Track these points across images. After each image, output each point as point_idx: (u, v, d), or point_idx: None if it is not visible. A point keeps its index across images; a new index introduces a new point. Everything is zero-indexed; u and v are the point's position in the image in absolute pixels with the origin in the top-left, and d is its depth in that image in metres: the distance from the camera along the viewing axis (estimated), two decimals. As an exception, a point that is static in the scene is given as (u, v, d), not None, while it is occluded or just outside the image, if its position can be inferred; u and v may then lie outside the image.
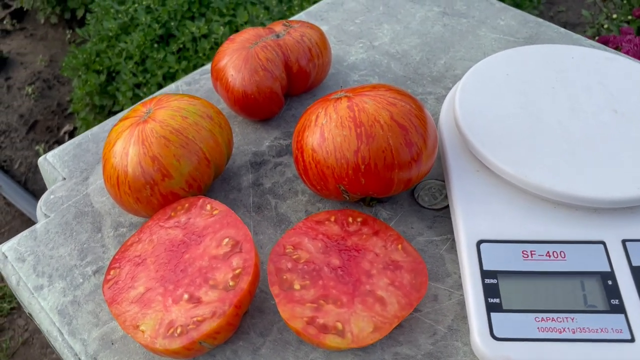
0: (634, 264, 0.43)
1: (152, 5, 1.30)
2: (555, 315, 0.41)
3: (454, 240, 0.49)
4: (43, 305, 0.47)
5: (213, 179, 0.50)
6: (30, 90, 1.76)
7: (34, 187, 1.54)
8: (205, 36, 1.28)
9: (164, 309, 0.40)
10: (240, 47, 0.57)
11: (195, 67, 1.28)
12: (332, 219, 0.47)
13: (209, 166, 0.48)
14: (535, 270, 0.43)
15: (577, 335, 0.40)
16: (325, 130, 0.46)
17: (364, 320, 0.40)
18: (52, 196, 0.55)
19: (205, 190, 0.50)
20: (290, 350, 0.43)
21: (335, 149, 0.46)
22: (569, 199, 0.45)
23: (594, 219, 0.45)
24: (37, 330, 1.33)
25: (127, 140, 0.47)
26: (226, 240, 0.43)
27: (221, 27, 1.25)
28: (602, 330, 0.40)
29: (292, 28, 0.59)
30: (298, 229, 0.46)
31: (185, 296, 0.40)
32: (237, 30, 1.29)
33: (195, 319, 0.39)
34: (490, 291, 0.42)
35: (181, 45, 1.28)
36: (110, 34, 1.30)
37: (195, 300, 0.40)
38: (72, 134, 1.62)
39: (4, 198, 1.52)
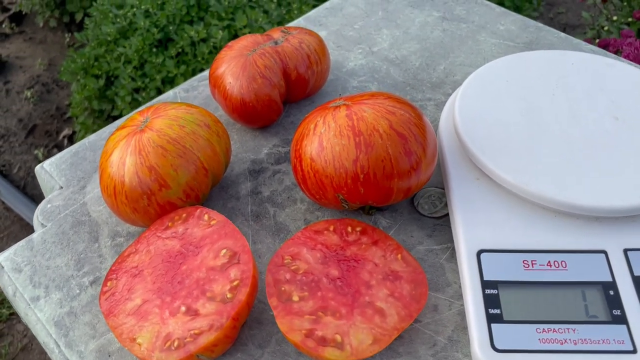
0: (636, 273, 0.43)
1: (150, 10, 1.30)
2: (556, 326, 0.40)
3: (454, 249, 0.48)
4: (40, 317, 0.46)
5: (211, 187, 0.50)
6: (29, 94, 1.76)
7: (33, 191, 1.54)
8: (204, 40, 1.28)
9: (161, 321, 0.40)
10: (238, 54, 0.56)
11: (194, 72, 1.27)
12: (331, 228, 0.47)
13: (206, 175, 0.48)
14: (536, 280, 0.43)
15: (579, 347, 0.40)
16: (323, 139, 0.46)
17: (363, 332, 0.40)
18: (49, 205, 0.54)
19: (203, 199, 0.49)
20: (289, 362, 0.42)
21: (334, 158, 0.45)
22: (570, 208, 0.45)
23: (596, 228, 0.45)
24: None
25: (124, 149, 0.46)
26: (224, 251, 0.42)
27: (220, 31, 1.25)
28: (603, 341, 0.40)
29: (291, 35, 0.59)
30: (297, 239, 0.46)
31: (183, 308, 0.40)
32: (236, 34, 1.29)
33: (192, 332, 0.39)
34: (490, 302, 0.42)
35: (180, 50, 1.28)
36: (109, 38, 1.30)
37: (193, 313, 0.40)
38: (71, 138, 1.62)
39: (3, 203, 1.52)
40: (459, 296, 0.45)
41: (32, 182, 1.55)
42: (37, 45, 1.97)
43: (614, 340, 0.40)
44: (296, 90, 0.59)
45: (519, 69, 0.55)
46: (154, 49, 1.27)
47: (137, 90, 1.30)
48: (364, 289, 0.42)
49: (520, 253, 0.44)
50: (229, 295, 0.40)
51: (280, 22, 1.30)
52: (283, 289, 0.42)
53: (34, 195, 1.53)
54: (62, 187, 0.56)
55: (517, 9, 1.71)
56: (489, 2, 0.75)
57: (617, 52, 1.05)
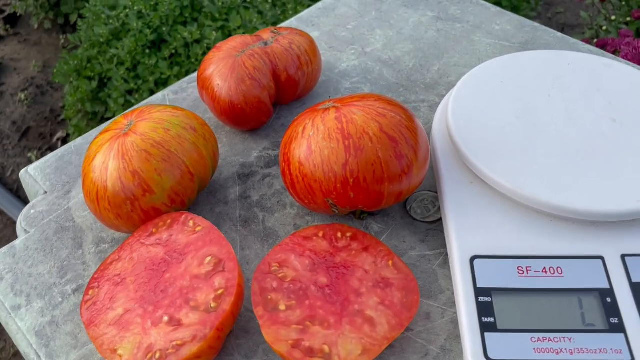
0: (634, 280, 0.41)
1: (143, 11, 1.29)
2: (552, 335, 0.39)
3: (447, 254, 0.47)
4: (20, 326, 0.45)
5: (197, 192, 0.49)
6: (23, 96, 1.74)
7: (27, 195, 1.52)
8: (197, 41, 1.27)
9: (143, 331, 0.38)
10: (226, 55, 0.55)
11: (187, 73, 1.26)
12: (321, 234, 0.45)
13: (192, 180, 0.47)
14: (531, 288, 0.41)
15: (575, 357, 0.38)
16: (312, 142, 0.45)
17: (352, 342, 0.38)
18: (32, 211, 0.53)
19: (189, 204, 0.48)
20: (276, 373, 0.41)
21: (322, 162, 0.44)
22: (566, 213, 0.43)
23: (592, 233, 0.44)
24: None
25: (106, 154, 0.45)
26: (208, 258, 0.41)
27: (214, 32, 1.24)
28: (601, 350, 0.38)
29: (281, 35, 0.58)
30: (285, 246, 0.44)
31: (165, 318, 0.39)
32: (230, 35, 1.28)
33: (174, 343, 0.37)
34: (484, 310, 0.40)
35: (173, 51, 1.26)
36: (102, 39, 1.29)
37: (175, 323, 0.38)
38: (65, 141, 1.60)
39: (-4, 206, 1.51)
40: (452, 304, 0.44)
41: (25, 185, 1.53)
42: (31, 47, 1.96)
43: (611, 349, 0.38)
44: (286, 92, 0.58)
45: (513, 69, 0.54)
46: (147, 51, 1.26)
47: (130, 92, 1.29)
48: (353, 297, 0.41)
49: (515, 259, 0.43)
50: (213, 305, 0.38)
51: (275, 23, 1.28)
52: (269, 297, 0.40)
53: (28, 199, 1.52)
54: (46, 192, 0.54)
55: (515, 9, 1.70)
56: (484, 2, 0.73)
57: (615, 52, 1.04)
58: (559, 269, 0.42)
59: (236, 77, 0.53)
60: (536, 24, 0.69)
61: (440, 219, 0.49)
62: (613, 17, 1.47)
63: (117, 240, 0.50)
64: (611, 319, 0.40)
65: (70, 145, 0.59)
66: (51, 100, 1.73)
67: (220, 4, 1.27)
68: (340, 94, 0.62)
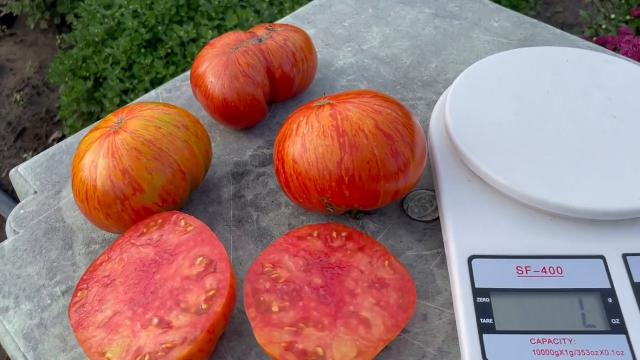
0: (636, 279, 0.40)
1: (139, 10, 1.28)
2: (552, 337, 0.38)
3: (444, 254, 0.46)
4: (8, 329, 0.44)
5: (190, 192, 0.48)
6: (18, 97, 1.73)
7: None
8: (193, 40, 1.26)
9: (132, 334, 0.37)
10: (220, 52, 0.54)
11: (183, 72, 1.25)
12: (315, 234, 0.44)
13: (184, 179, 0.46)
14: (530, 288, 0.40)
15: (576, 358, 0.37)
16: (306, 140, 0.44)
17: (347, 344, 0.37)
18: (22, 211, 0.52)
19: (181, 204, 0.47)
20: (270, 376, 0.40)
21: (317, 160, 0.43)
22: (566, 211, 0.42)
23: (593, 232, 0.43)
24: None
25: (96, 152, 0.44)
26: (200, 259, 0.40)
27: (210, 31, 1.23)
28: (602, 352, 0.37)
29: (275, 32, 0.57)
30: (278, 245, 0.43)
31: (155, 320, 0.38)
32: (226, 34, 1.26)
33: (164, 346, 0.36)
34: (482, 311, 0.39)
35: (169, 50, 1.25)
36: (97, 39, 1.27)
37: (165, 325, 0.37)
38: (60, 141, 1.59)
39: (-8, 207, 1.49)
40: (450, 304, 0.43)
41: (21, 186, 1.52)
42: (27, 48, 1.94)
43: (612, 351, 0.37)
44: (281, 90, 0.57)
45: (512, 66, 0.53)
46: (143, 50, 1.25)
47: (125, 91, 1.28)
48: (348, 298, 0.40)
49: (514, 259, 0.42)
50: (204, 306, 0.37)
51: (272, 22, 1.27)
52: (262, 298, 0.39)
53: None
54: (36, 192, 0.53)
55: (514, 8, 1.69)
56: (482, -2, 0.72)
57: (615, 49, 1.03)
58: (558, 269, 0.41)
59: (229, 74, 0.52)
60: (535, 21, 0.68)
61: (437, 218, 0.48)
62: (612, 16, 1.46)
63: (108, 240, 0.49)
64: (612, 319, 0.39)
65: (61, 144, 0.58)
66: (47, 100, 1.72)
67: (216, 2, 1.26)
68: (337, 92, 0.61)
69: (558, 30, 0.66)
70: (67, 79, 1.31)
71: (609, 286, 0.40)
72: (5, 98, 1.75)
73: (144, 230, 0.43)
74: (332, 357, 0.37)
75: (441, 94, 0.60)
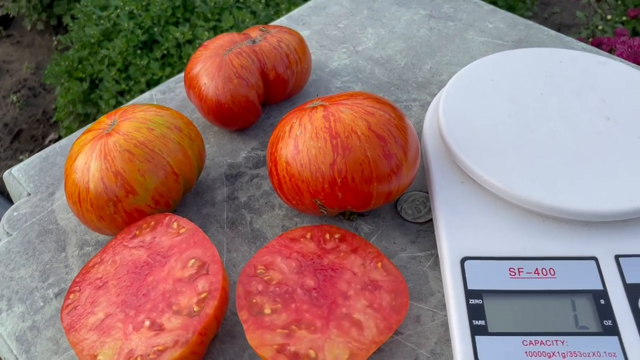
0: (628, 281, 0.40)
1: (135, 11, 1.27)
2: (544, 338, 0.38)
3: (438, 256, 0.46)
4: (1, 332, 0.44)
5: (183, 194, 0.48)
6: (15, 98, 1.73)
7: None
8: (189, 42, 1.26)
9: (124, 336, 0.37)
10: (213, 53, 0.54)
11: (179, 74, 1.25)
12: (308, 235, 0.44)
13: (177, 181, 0.46)
14: (522, 289, 0.40)
15: (568, 360, 0.37)
16: (299, 141, 0.44)
17: (339, 346, 0.37)
18: (15, 213, 0.52)
19: (174, 206, 0.47)
20: (262, 378, 0.40)
21: (310, 161, 0.43)
22: (559, 213, 0.42)
23: (586, 234, 0.43)
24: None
25: (88, 154, 0.44)
26: (192, 261, 0.40)
27: (206, 33, 1.23)
28: (594, 354, 0.37)
29: (269, 33, 0.57)
30: (271, 247, 0.43)
31: (147, 323, 0.38)
32: (222, 36, 1.26)
33: (156, 348, 0.36)
34: (475, 312, 0.39)
35: (165, 52, 1.25)
36: (92, 40, 1.27)
37: (157, 328, 0.37)
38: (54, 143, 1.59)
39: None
40: (443, 306, 0.43)
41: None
42: (24, 49, 1.94)
43: (604, 352, 0.37)
44: (275, 91, 0.57)
45: (505, 67, 0.53)
46: (139, 51, 1.24)
47: (121, 93, 1.28)
48: (341, 300, 0.40)
49: (506, 260, 0.42)
50: (195, 309, 0.37)
51: (268, 23, 1.27)
52: (254, 301, 0.39)
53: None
54: (29, 194, 0.53)
55: (511, 9, 1.69)
56: (477, 0, 0.72)
57: (610, 50, 1.03)
58: (551, 270, 0.41)
59: (223, 76, 0.52)
60: (530, 22, 0.68)
61: (431, 220, 0.48)
62: (609, 17, 1.46)
63: (101, 242, 0.49)
64: (605, 321, 0.39)
65: (55, 146, 0.58)
66: (43, 102, 1.72)
67: (212, 4, 1.26)
68: (331, 93, 0.61)
69: (553, 32, 0.66)
70: (63, 81, 1.31)
71: (601, 288, 0.40)
72: (2, 99, 1.75)
73: (137, 232, 0.43)
74: (324, 360, 0.37)
75: (435, 95, 0.60)
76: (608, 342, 0.38)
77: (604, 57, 0.54)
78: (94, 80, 1.31)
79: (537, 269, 0.41)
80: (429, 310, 0.43)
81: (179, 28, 1.26)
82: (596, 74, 0.52)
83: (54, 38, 1.95)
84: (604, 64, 0.53)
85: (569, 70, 0.52)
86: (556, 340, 0.38)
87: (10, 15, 2.05)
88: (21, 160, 1.55)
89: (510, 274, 0.41)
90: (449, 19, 0.70)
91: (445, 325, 0.42)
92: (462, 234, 0.43)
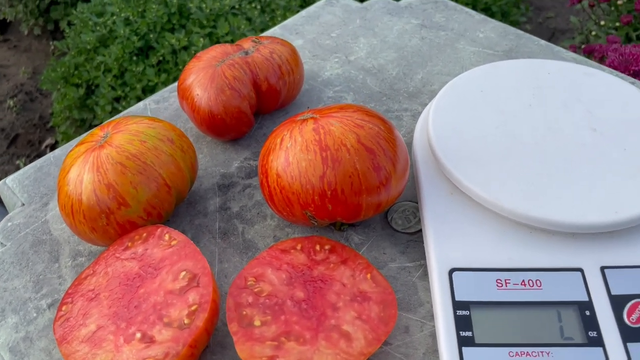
0: (613, 292, 0.41)
1: (131, 17, 1.28)
2: (530, 349, 0.39)
3: (427, 266, 0.47)
4: (-6, 342, 0.44)
5: (175, 205, 0.48)
6: (12, 103, 1.73)
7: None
8: (185, 48, 1.26)
9: (115, 349, 0.38)
10: (206, 65, 0.55)
11: (175, 80, 1.25)
12: (299, 247, 0.45)
13: (169, 193, 0.46)
14: (509, 301, 0.41)
15: (553, 371, 0.38)
16: (290, 154, 0.44)
17: (328, 358, 0.38)
18: (9, 223, 0.52)
19: (166, 217, 0.48)
20: (252, 388, 0.40)
21: (300, 174, 0.43)
22: (545, 224, 0.43)
23: (572, 245, 0.43)
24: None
25: (81, 166, 0.44)
26: (183, 273, 0.40)
27: (201, 39, 1.23)
28: (579, 365, 0.38)
29: (262, 45, 0.57)
30: (261, 259, 0.44)
31: (138, 335, 0.38)
32: (218, 42, 1.27)
33: (147, 361, 0.37)
34: (462, 324, 0.40)
35: (161, 58, 1.26)
36: (89, 46, 1.28)
37: (148, 340, 0.38)
38: (53, 148, 1.59)
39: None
40: (432, 317, 0.44)
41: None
42: (21, 54, 1.95)
43: (589, 363, 0.38)
44: (268, 102, 0.57)
45: (494, 79, 0.54)
46: (135, 58, 1.25)
47: (117, 99, 1.28)
48: (330, 312, 0.41)
49: (494, 272, 0.42)
50: (186, 321, 0.38)
51: (264, 30, 1.28)
52: (244, 313, 0.40)
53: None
54: (23, 204, 0.54)
55: (505, 14, 1.70)
56: (468, 9, 0.73)
57: (602, 57, 1.04)
58: (537, 282, 0.42)
59: (216, 87, 0.53)
60: (520, 32, 0.69)
61: (421, 230, 0.49)
62: (602, 22, 1.47)
63: (94, 253, 0.49)
64: (590, 332, 0.39)
65: (49, 156, 0.58)
66: (40, 107, 1.73)
67: (208, 10, 1.27)
68: (323, 103, 0.62)
69: (543, 42, 0.67)
70: (59, 86, 1.32)
71: (586, 299, 0.41)
72: (-2, 104, 1.75)
73: (129, 244, 0.44)
74: (313, 371, 0.37)
75: (426, 105, 0.60)
76: (593, 354, 0.38)
77: (591, 69, 0.54)
78: (90, 86, 1.32)
79: (523, 281, 0.42)
80: (418, 321, 0.43)
81: (174, 34, 1.27)
82: (582, 86, 0.52)
83: (51, 43, 1.95)
84: (590, 75, 0.53)
85: (557, 82, 0.53)
86: (542, 352, 0.39)
87: (7, 20, 2.05)
88: (18, 165, 1.56)
89: (497, 285, 0.42)
90: (440, 29, 0.70)
91: (433, 336, 0.42)
92: (450, 245, 0.44)
